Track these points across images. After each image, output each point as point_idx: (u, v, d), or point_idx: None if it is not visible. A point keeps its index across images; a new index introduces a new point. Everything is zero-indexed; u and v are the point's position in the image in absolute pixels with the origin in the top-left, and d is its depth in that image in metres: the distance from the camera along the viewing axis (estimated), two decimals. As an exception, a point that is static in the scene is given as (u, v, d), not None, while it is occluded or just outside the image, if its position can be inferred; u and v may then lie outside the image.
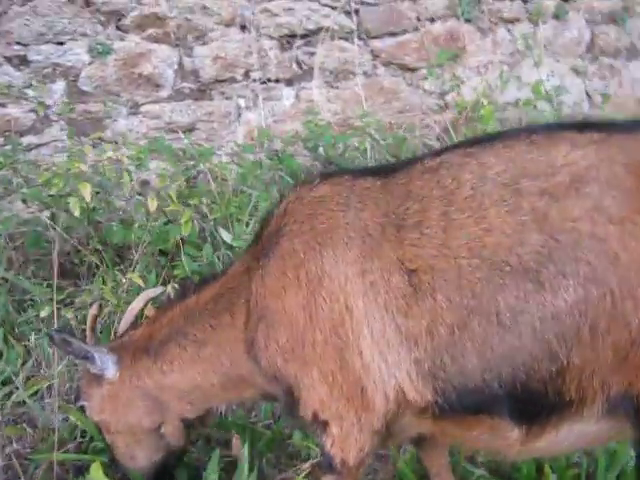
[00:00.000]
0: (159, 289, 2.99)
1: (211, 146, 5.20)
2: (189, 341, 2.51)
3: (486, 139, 2.29)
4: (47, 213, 4.48)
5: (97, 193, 4.39)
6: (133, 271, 4.13)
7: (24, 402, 3.36)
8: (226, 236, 4.49)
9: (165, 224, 4.43)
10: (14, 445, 3.15)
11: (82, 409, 2.75)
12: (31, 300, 4.08)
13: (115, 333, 2.91)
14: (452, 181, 2.15)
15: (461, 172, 2.15)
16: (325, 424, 2.27)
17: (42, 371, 3.56)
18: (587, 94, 7.50)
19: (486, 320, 2.01)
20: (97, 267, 4.36)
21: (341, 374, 2.20)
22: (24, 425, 3.13)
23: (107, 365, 2.59)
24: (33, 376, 3.50)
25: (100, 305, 2.77)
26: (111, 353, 2.61)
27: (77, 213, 3.69)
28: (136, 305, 2.81)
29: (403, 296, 2.11)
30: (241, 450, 2.60)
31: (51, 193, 4.35)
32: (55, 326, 3.78)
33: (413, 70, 6.55)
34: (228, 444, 3.00)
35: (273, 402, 2.94)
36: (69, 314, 3.80)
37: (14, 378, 3.48)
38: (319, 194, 2.34)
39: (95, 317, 2.76)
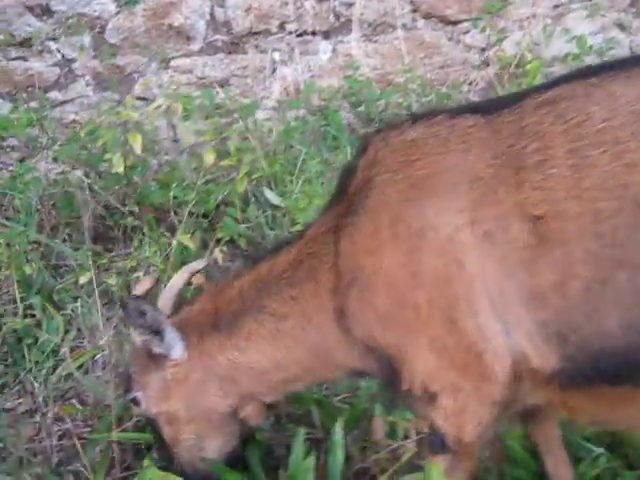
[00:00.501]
0: (202, 261, 2.64)
1: (253, 100, 4.84)
2: (266, 315, 2.20)
3: (601, 69, 1.97)
4: (79, 172, 4.15)
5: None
6: (172, 235, 3.82)
7: (69, 376, 3.06)
8: (271, 196, 4.18)
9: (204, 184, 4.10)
10: (66, 423, 2.86)
11: (133, 401, 2.37)
12: (66, 266, 3.77)
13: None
14: (577, 114, 1.86)
15: (587, 104, 1.86)
16: (434, 397, 2.00)
17: (86, 342, 3.25)
18: (630, 49, 7.14)
19: (633, 271, 1.73)
20: (133, 230, 4.05)
21: (452, 339, 1.92)
22: (73, 402, 2.82)
23: (174, 343, 2.26)
24: (77, 347, 3.20)
25: (157, 278, 2.40)
26: (175, 329, 2.27)
27: (121, 169, 3.36)
28: (178, 280, 2.45)
29: (525, 247, 1.82)
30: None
31: (87, 149, 4.03)
32: (96, 293, 3.49)
33: (454, 23, 6.16)
34: (301, 420, 2.71)
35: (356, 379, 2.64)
36: (111, 280, 3.49)
37: (57, 350, 3.19)
38: (412, 137, 2.03)
39: (148, 291, 2.42)
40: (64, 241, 3.84)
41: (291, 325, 2.17)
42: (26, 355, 3.17)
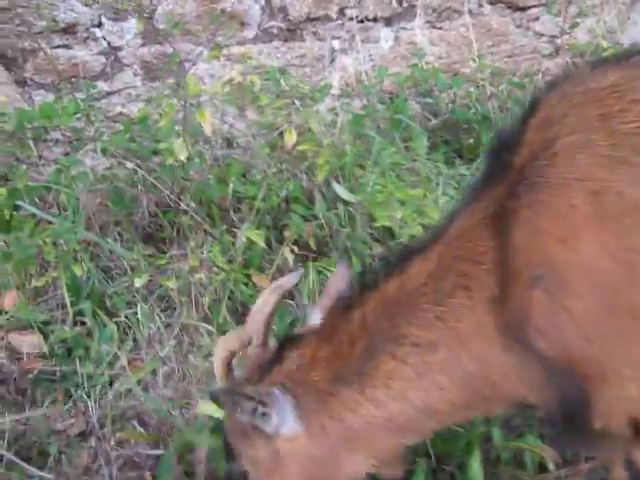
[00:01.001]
0: (296, 275, 2.06)
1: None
2: (408, 347, 1.75)
3: None
4: (130, 165, 3.75)
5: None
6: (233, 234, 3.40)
7: (127, 392, 2.65)
8: (341, 190, 3.73)
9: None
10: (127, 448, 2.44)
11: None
12: (118, 268, 3.36)
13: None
14: None
15: None
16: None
17: (144, 353, 2.84)
18: None
19: None
20: (189, 230, 3.63)
21: None
22: (134, 423, 2.41)
23: (285, 416, 1.82)
24: (134, 359, 2.78)
25: (248, 340, 1.88)
26: (284, 394, 1.82)
27: (184, 156, 2.93)
28: (267, 303, 1.92)
29: None
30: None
31: (137, 141, 3.64)
32: (153, 298, 3.09)
33: (523, 9, 5.72)
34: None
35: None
36: (170, 283, 3.07)
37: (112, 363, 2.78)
38: (604, 85, 1.58)
39: (234, 353, 1.90)
40: (115, 241, 3.44)
41: (442, 356, 1.73)
42: (77, 368, 2.76)
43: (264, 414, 1.79)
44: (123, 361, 2.71)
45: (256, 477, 1.93)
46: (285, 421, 1.81)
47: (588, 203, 1.51)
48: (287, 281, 1.99)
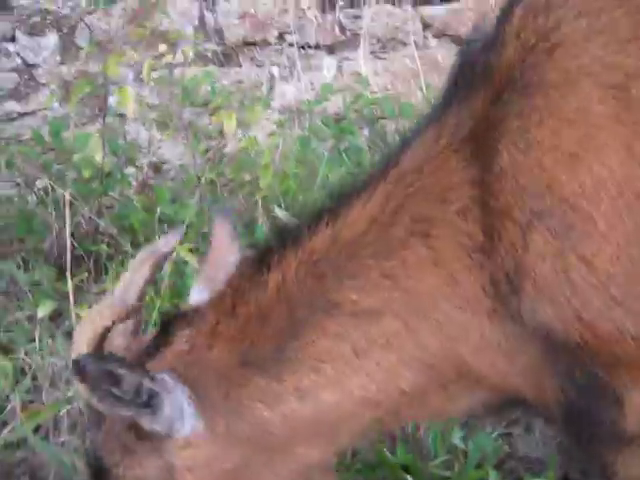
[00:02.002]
0: (173, 235, 1.55)
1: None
2: (342, 317, 1.30)
3: None
4: (41, 184, 3.25)
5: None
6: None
7: (20, 444, 2.09)
8: (283, 215, 3.29)
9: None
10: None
11: None
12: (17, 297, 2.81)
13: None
14: None
15: None
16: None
17: (44, 395, 2.28)
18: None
19: None
20: (108, 259, 3.13)
21: None
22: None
23: (178, 410, 1.32)
24: (31, 402, 2.23)
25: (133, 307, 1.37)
26: (175, 381, 1.33)
27: (99, 157, 2.49)
28: (141, 270, 1.44)
29: None
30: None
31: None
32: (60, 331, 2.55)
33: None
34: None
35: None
36: (82, 311, 2.54)
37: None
38: None
39: (107, 330, 1.34)
40: (18, 268, 2.89)
41: (390, 327, 1.28)
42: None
43: (151, 402, 1.27)
44: (15, 403, 2.14)
45: None
46: (180, 417, 1.31)
47: (605, 101, 1.14)
48: (163, 244, 1.49)
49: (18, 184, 3.30)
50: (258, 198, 3.32)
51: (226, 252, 1.45)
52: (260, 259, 1.37)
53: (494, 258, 1.21)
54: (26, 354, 2.43)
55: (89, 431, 1.42)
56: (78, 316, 2.58)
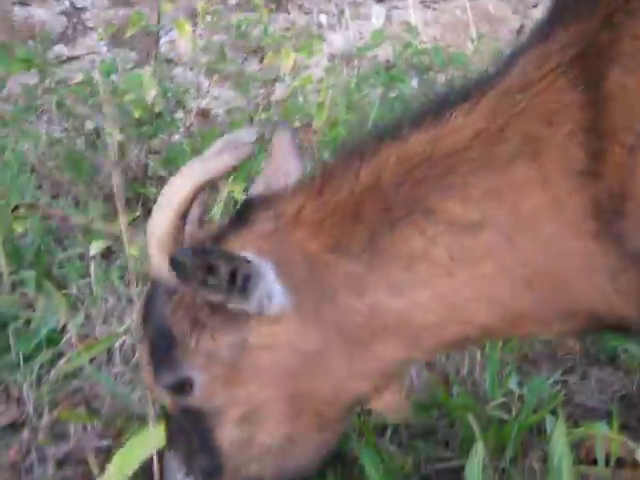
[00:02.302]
0: (252, 131, 1.35)
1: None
2: (439, 225, 1.26)
3: None
4: (91, 126, 3.24)
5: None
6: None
7: (73, 375, 2.10)
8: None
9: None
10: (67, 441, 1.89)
11: (176, 389, 1.38)
12: (69, 236, 2.82)
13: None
14: None
15: None
16: None
17: (97, 329, 2.29)
18: None
19: None
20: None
21: None
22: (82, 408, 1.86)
23: (269, 288, 1.28)
24: (86, 337, 2.23)
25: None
26: (263, 261, 1.29)
27: (151, 96, 2.48)
28: (219, 162, 1.29)
29: None
30: None
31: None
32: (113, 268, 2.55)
33: (521, -6, 5.39)
34: (432, 434, 1.78)
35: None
36: (133, 250, 2.53)
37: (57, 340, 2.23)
38: None
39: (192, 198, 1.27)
40: (69, 207, 2.90)
41: (490, 240, 1.24)
42: (12, 345, 2.20)
43: (245, 286, 1.25)
44: (72, 336, 2.15)
45: (209, 386, 1.36)
46: (268, 296, 1.28)
47: None
48: (246, 135, 1.33)
49: (67, 129, 3.29)
50: (307, 144, 3.30)
51: (286, 160, 1.42)
52: (355, 150, 1.33)
53: (599, 181, 1.17)
54: (78, 290, 2.43)
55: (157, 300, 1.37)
56: (130, 254, 2.59)
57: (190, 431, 1.42)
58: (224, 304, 1.29)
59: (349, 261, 1.29)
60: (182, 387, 1.36)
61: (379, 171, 1.29)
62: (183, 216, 1.28)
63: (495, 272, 1.25)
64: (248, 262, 1.26)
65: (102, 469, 1.67)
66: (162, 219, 1.28)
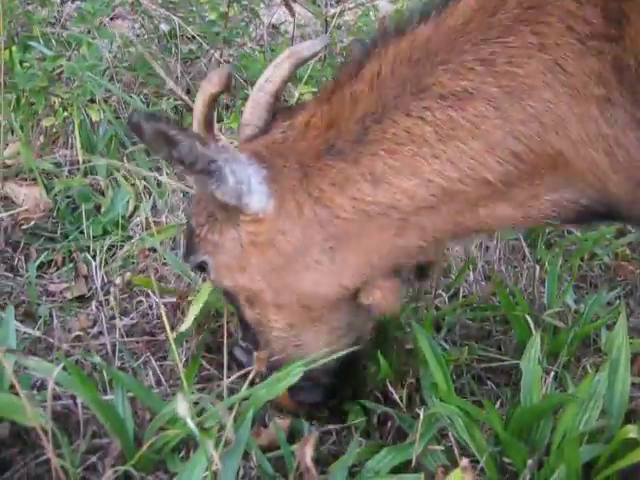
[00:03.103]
0: (320, 41, 1.54)
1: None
2: (429, 101, 1.26)
3: None
4: (166, 28, 3.26)
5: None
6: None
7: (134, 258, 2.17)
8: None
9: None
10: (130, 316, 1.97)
11: (199, 268, 1.57)
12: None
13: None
14: None
15: None
16: None
17: (164, 218, 2.35)
18: None
19: None
20: (226, 107, 3.15)
21: None
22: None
23: (250, 186, 1.38)
24: (157, 223, 2.29)
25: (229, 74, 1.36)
26: (254, 163, 1.39)
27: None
28: (275, 73, 1.46)
29: None
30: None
31: None
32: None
33: None
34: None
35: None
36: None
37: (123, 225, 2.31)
38: None
39: (214, 97, 1.37)
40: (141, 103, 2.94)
41: (480, 110, 1.23)
42: (85, 228, 2.28)
43: (210, 169, 1.33)
44: (142, 219, 2.22)
45: (216, 271, 1.50)
46: (249, 190, 1.37)
47: None
48: (307, 47, 1.49)
49: (143, 26, 3.32)
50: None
51: None
52: (363, 53, 1.36)
53: (620, 43, 1.14)
54: (145, 180, 2.49)
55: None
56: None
57: (233, 304, 1.56)
58: (212, 193, 1.37)
59: (338, 159, 1.33)
60: (202, 268, 1.53)
61: (380, 65, 1.30)
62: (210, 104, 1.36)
63: (484, 147, 1.24)
64: (205, 143, 1.31)
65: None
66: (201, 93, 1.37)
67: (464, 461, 1.01)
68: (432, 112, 1.25)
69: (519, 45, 1.21)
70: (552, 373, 1.63)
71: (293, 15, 2.91)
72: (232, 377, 1.42)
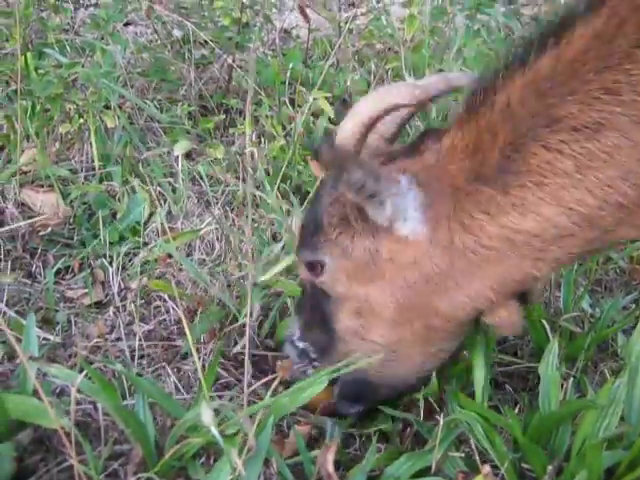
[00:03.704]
0: (470, 76, 1.56)
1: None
2: (563, 133, 1.29)
3: None
4: (179, 34, 3.28)
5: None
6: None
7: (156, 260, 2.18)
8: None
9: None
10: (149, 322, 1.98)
11: (309, 266, 1.56)
12: (154, 134, 2.89)
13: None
14: None
15: None
16: None
17: (179, 224, 2.36)
18: None
19: None
20: (238, 113, 3.16)
21: None
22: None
23: (407, 214, 1.40)
24: (172, 229, 2.31)
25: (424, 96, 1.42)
26: (414, 189, 1.40)
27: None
28: (431, 84, 1.47)
29: None
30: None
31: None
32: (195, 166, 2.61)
33: None
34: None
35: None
36: (217, 152, 2.60)
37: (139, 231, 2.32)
38: None
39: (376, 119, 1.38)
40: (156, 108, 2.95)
41: (612, 141, 1.26)
42: (100, 233, 2.29)
43: (377, 198, 1.36)
44: (157, 225, 2.23)
45: (334, 275, 1.51)
46: (404, 217, 1.39)
47: None
48: (457, 78, 1.54)
49: (156, 31, 3.33)
50: (389, 68, 3.28)
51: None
52: (489, 83, 1.38)
53: None
54: (159, 185, 2.50)
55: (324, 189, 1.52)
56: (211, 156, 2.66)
57: (316, 306, 1.58)
58: (363, 209, 1.41)
59: (487, 187, 1.36)
60: (315, 267, 1.53)
61: (508, 96, 1.33)
62: (367, 127, 1.37)
63: (618, 174, 1.28)
64: (377, 179, 1.34)
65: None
66: (348, 124, 1.39)
67: (486, 468, 1.02)
68: (569, 145, 1.29)
69: (622, 77, 1.24)
70: (570, 379, 1.63)
71: (308, 21, 2.91)
72: (253, 386, 1.43)
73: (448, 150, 1.41)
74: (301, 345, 1.64)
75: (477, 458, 1.39)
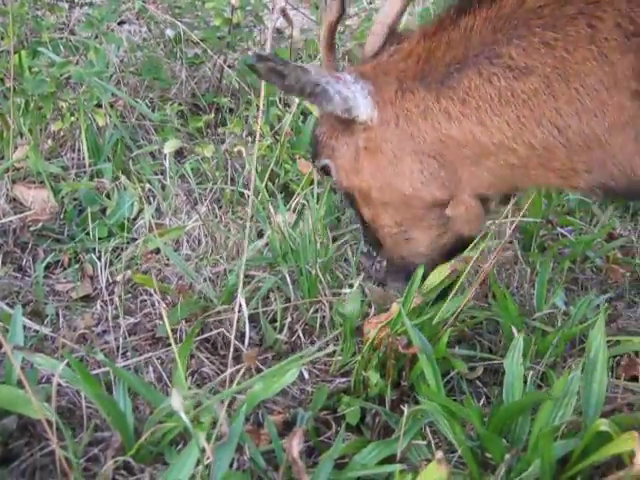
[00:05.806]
0: None
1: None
2: (497, 67, 1.53)
3: None
4: (171, 33, 3.34)
5: None
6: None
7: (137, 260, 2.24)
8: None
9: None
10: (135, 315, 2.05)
11: (324, 171, 1.89)
12: (146, 132, 2.95)
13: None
14: None
15: None
16: None
17: (167, 221, 2.43)
18: None
19: None
20: (230, 113, 3.22)
21: None
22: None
23: (356, 101, 1.68)
24: (160, 225, 2.38)
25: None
26: (360, 81, 1.69)
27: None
28: (392, 6, 1.75)
29: None
30: None
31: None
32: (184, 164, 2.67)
33: None
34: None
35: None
36: (206, 151, 2.66)
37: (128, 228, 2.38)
38: None
39: (335, 23, 1.70)
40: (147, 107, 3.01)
41: (535, 86, 1.49)
42: (89, 229, 2.35)
43: (315, 91, 1.62)
44: (146, 222, 2.30)
45: (337, 172, 1.84)
46: (357, 105, 1.67)
47: None
48: None
49: (150, 30, 3.39)
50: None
51: None
52: (463, 8, 1.58)
53: None
54: (149, 183, 2.56)
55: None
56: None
57: (356, 212, 1.89)
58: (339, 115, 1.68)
59: (425, 91, 1.61)
60: (326, 171, 1.86)
61: (472, 22, 1.54)
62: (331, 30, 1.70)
63: (532, 116, 1.48)
64: (305, 71, 1.57)
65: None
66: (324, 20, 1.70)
67: (439, 454, 1.08)
68: (498, 78, 1.52)
69: (575, 35, 1.43)
70: (534, 372, 1.70)
71: (291, 24, 2.98)
72: (227, 372, 1.49)
73: (404, 52, 1.64)
74: (365, 249, 2.08)
75: (437, 446, 1.45)
